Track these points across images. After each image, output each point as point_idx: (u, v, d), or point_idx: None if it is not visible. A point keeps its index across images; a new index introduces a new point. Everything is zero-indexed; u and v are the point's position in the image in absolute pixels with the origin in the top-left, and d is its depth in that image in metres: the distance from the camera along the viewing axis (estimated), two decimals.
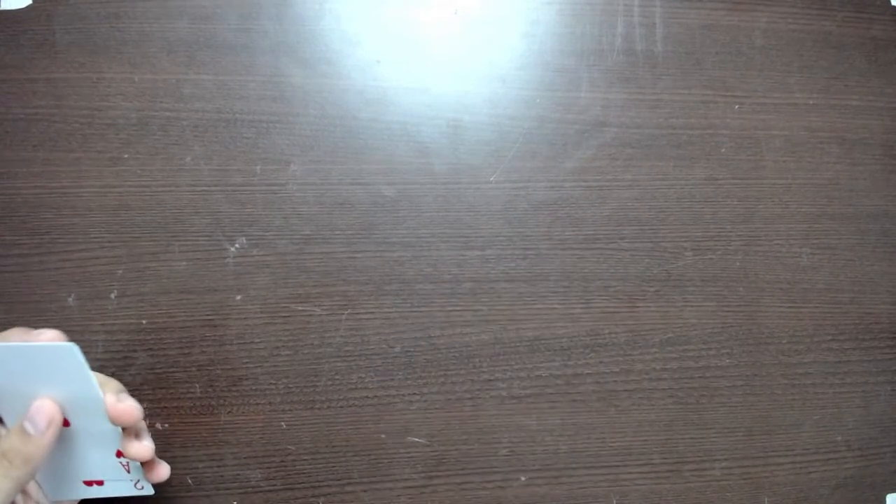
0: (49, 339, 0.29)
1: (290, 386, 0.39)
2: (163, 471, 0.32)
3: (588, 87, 0.43)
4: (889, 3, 0.47)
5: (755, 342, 0.43)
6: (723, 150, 0.44)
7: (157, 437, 0.38)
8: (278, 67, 0.42)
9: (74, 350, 0.28)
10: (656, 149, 0.43)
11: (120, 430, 0.30)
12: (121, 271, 0.39)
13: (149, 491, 0.32)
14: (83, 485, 0.32)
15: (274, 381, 0.39)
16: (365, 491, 0.39)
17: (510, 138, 0.42)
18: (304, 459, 0.39)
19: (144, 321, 0.39)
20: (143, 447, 0.31)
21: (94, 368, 0.29)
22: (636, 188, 0.43)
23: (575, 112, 0.43)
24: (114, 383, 0.31)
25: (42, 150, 0.40)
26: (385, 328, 0.40)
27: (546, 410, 0.41)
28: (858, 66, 0.46)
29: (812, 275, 0.44)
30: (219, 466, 0.39)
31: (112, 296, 0.39)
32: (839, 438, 0.43)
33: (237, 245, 0.40)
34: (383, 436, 0.40)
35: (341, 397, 0.40)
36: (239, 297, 0.40)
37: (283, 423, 0.39)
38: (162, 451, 0.38)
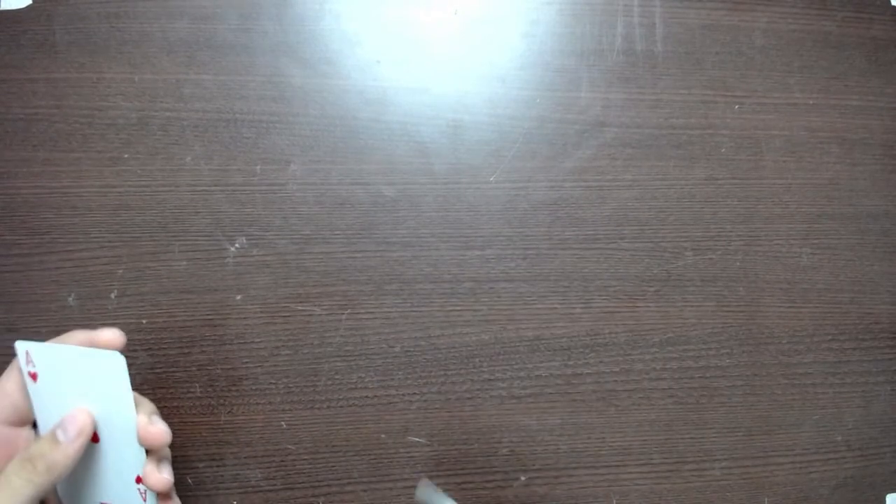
0: (108, 337, 0.30)
1: (290, 386, 0.39)
2: None
3: (588, 87, 0.43)
4: (889, 3, 0.47)
5: (755, 342, 0.43)
6: (723, 150, 0.44)
7: None
8: (278, 67, 0.42)
9: (121, 361, 0.28)
10: (656, 149, 0.43)
11: (144, 455, 0.30)
12: (121, 271, 0.39)
13: None
14: None
15: (274, 381, 0.39)
16: (365, 491, 0.39)
17: (510, 138, 0.42)
18: (304, 459, 0.39)
19: (144, 321, 0.39)
20: (163, 479, 0.30)
21: (126, 365, 0.30)
22: (636, 188, 0.43)
23: (575, 112, 0.43)
24: (148, 405, 0.31)
25: (42, 150, 0.40)
26: (385, 328, 0.40)
27: (546, 410, 0.41)
28: (858, 66, 0.46)
29: (812, 275, 0.44)
30: (219, 466, 0.39)
31: (112, 296, 0.39)
32: (839, 438, 0.43)
33: (237, 245, 0.40)
34: (383, 436, 0.40)
35: (341, 397, 0.40)
36: (239, 297, 0.40)
37: (283, 423, 0.39)
38: None
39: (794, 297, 0.43)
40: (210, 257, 0.40)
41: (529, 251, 0.42)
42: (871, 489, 0.42)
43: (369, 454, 0.39)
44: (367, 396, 0.40)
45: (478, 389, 0.41)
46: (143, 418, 0.30)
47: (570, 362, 0.41)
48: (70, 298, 0.39)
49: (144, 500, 0.31)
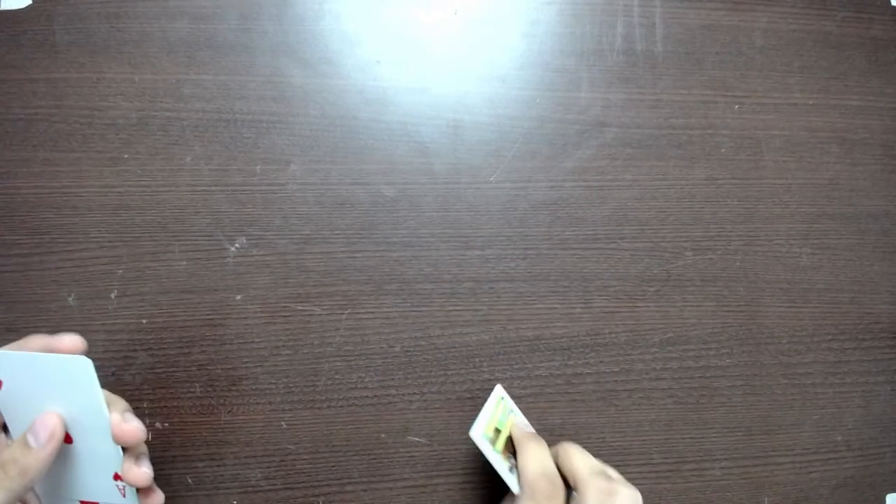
0: (68, 344, 0.29)
1: (290, 386, 0.39)
2: (158, 499, 0.32)
3: (588, 87, 0.43)
4: (889, 3, 0.47)
5: (755, 342, 0.43)
6: (723, 150, 0.44)
7: (156, 436, 0.38)
8: (278, 67, 0.42)
9: (87, 364, 0.28)
10: (656, 149, 0.43)
11: (121, 452, 0.30)
12: (121, 271, 0.39)
13: None
14: None
15: (274, 381, 0.39)
16: (365, 491, 0.39)
17: (510, 138, 0.42)
18: (304, 459, 0.39)
19: (144, 321, 0.39)
20: (142, 473, 0.30)
21: (94, 368, 0.29)
22: (636, 188, 0.43)
23: (575, 112, 0.43)
24: (121, 403, 0.31)
25: (42, 150, 0.40)
26: (385, 328, 0.40)
27: (546, 410, 0.41)
28: (858, 66, 0.46)
29: (812, 275, 0.44)
30: (219, 466, 0.39)
31: (112, 296, 0.39)
32: (839, 438, 0.43)
33: (237, 245, 0.40)
34: (383, 436, 0.40)
35: (341, 397, 0.40)
36: (239, 297, 0.40)
37: (283, 423, 0.39)
38: (162, 451, 0.38)
39: (794, 297, 0.43)
40: (210, 257, 0.40)
41: (529, 251, 0.42)
42: (871, 489, 0.42)
43: (369, 454, 0.39)
44: (367, 396, 0.40)
45: (478, 389, 0.41)
46: (116, 417, 0.30)
47: (570, 362, 0.41)
48: (70, 298, 0.39)
49: (124, 496, 0.31)
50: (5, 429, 0.31)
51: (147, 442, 0.32)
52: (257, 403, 0.39)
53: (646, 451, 0.42)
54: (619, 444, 0.41)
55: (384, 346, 0.40)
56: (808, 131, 0.45)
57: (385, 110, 0.42)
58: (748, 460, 0.42)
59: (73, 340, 0.30)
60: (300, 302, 0.40)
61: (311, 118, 0.41)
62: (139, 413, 0.34)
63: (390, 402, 0.40)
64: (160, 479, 0.38)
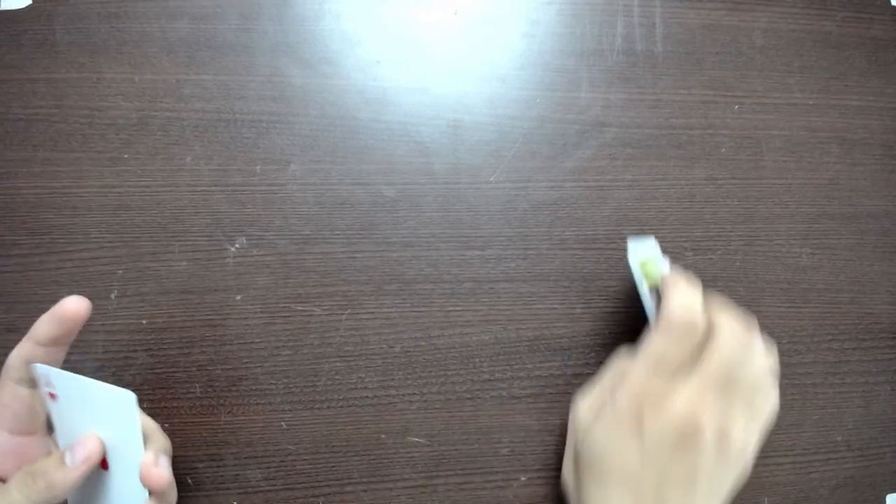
0: (72, 306, 0.29)
1: (290, 386, 0.39)
2: None
3: (588, 87, 0.43)
4: (889, 3, 0.47)
5: None
6: (723, 150, 0.44)
7: None
8: (278, 67, 0.42)
9: (131, 399, 0.29)
10: (656, 149, 0.43)
11: (146, 492, 0.30)
12: (121, 271, 0.39)
13: None
14: None
15: (274, 381, 0.39)
16: (365, 491, 0.39)
17: (510, 138, 0.42)
18: (304, 459, 0.39)
19: (144, 321, 0.39)
20: None
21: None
22: (636, 188, 0.43)
23: (575, 112, 0.43)
24: (161, 441, 0.32)
25: (42, 150, 0.40)
26: (385, 328, 0.40)
27: (546, 410, 0.41)
28: (858, 66, 0.46)
29: (812, 275, 0.44)
30: (219, 466, 0.39)
31: (112, 296, 0.39)
32: (839, 438, 0.43)
33: (237, 245, 0.40)
34: (383, 436, 0.40)
35: (341, 397, 0.40)
36: (239, 297, 0.40)
37: (283, 423, 0.39)
38: None
39: (794, 297, 0.43)
40: (210, 257, 0.40)
41: (529, 251, 0.42)
42: (871, 489, 0.42)
43: (369, 454, 0.39)
44: (366, 397, 0.40)
45: (478, 389, 0.41)
46: (149, 456, 0.30)
47: (570, 362, 0.41)
48: None
49: None
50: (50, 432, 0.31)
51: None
52: (257, 404, 0.39)
53: None
54: None
55: (384, 346, 0.40)
56: (808, 131, 0.45)
57: (385, 110, 0.42)
58: None
59: (75, 302, 0.29)
60: (300, 302, 0.40)
61: (311, 118, 0.41)
62: None
63: (390, 403, 0.40)
64: None
